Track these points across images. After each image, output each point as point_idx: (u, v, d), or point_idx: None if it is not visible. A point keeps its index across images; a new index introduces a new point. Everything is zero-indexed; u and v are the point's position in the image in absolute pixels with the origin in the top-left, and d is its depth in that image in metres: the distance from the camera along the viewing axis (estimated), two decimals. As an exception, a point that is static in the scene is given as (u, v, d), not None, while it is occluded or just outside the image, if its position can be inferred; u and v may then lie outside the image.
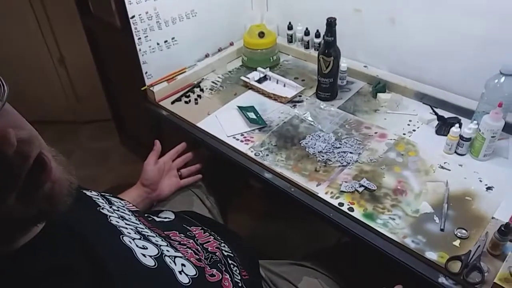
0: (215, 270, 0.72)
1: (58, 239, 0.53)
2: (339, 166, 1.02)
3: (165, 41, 1.30)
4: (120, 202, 0.75)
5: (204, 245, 0.79)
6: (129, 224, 0.66)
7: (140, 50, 1.24)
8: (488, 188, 0.94)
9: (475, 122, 1.01)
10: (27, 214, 0.44)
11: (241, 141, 1.13)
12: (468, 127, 1.00)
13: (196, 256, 0.72)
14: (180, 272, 0.62)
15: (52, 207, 0.46)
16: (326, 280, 0.96)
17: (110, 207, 0.69)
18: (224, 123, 1.19)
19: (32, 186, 0.43)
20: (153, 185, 1.06)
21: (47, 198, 0.45)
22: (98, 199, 0.70)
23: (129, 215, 0.71)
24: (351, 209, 0.91)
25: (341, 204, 0.92)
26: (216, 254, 0.78)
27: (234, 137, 1.14)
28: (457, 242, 0.82)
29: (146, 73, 1.28)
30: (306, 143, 1.10)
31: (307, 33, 1.43)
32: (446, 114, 1.13)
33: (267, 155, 1.07)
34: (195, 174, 1.17)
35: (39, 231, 0.50)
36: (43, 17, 1.99)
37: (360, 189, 0.95)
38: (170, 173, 1.12)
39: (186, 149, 1.19)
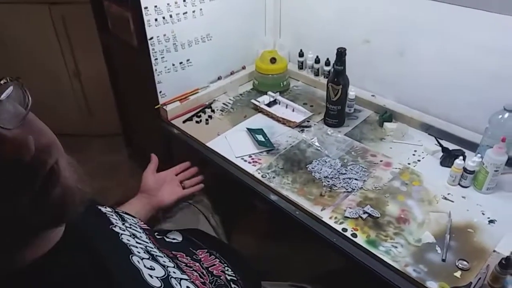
0: None
1: (73, 252, 0.54)
2: (344, 192, 1.04)
3: (180, 63, 1.34)
4: (132, 219, 0.78)
5: (209, 269, 0.81)
6: (139, 243, 0.68)
7: (156, 70, 1.29)
8: (491, 221, 0.95)
9: (479, 155, 1.03)
10: (39, 218, 0.46)
11: (249, 162, 1.16)
12: (472, 160, 1.02)
13: (201, 279, 0.74)
14: None
15: (63, 213, 0.48)
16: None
17: (123, 224, 0.71)
18: (233, 144, 1.22)
19: (43, 191, 0.46)
20: (153, 190, 1.10)
21: (58, 204, 0.47)
22: (112, 215, 0.72)
23: (140, 232, 0.73)
24: (355, 235, 0.92)
25: (344, 229, 0.94)
26: (221, 277, 0.79)
27: (242, 158, 1.17)
28: (458, 273, 0.83)
29: (160, 92, 1.33)
30: (312, 168, 1.12)
31: (317, 60, 1.47)
32: (451, 146, 1.15)
33: (274, 177, 1.10)
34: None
35: (56, 243, 0.52)
36: (63, 32, 2.06)
37: (364, 216, 0.97)
38: (173, 183, 1.16)
39: (194, 166, 1.22)
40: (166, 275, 0.64)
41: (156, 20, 1.22)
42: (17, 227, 0.46)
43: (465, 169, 1.03)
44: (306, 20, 1.48)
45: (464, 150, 1.13)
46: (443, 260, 0.86)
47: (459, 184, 1.05)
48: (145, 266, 0.62)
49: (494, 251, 0.87)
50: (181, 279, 0.66)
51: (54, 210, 0.47)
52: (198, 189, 1.19)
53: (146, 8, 1.19)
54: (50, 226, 0.50)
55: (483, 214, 0.97)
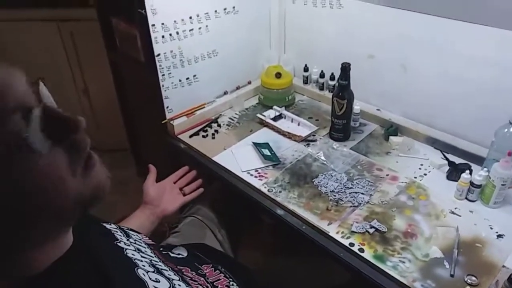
0: None
1: (79, 266, 0.56)
2: (351, 206, 1.04)
3: (187, 78, 1.36)
4: (137, 235, 0.79)
5: (214, 283, 0.81)
6: (144, 257, 0.69)
7: (163, 86, 1.30)
8: (499, 236, 0.94)
9: (485, 169, 1.03)
10: (83, 197, 0.51)
11: (255, 176, 1.16)
12: (478, 174, 1.01)
13: None
14: None
15: (98, 192, 0.53)
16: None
17: (128, 239, 0.72)
18: (239, 159, 1.23)
19: (86, 170, 0.52)
20: (155, 201, 1.11)
21: (95, 181, 0.53)
22: (116, 232, 0.73)
23: (145, 247, 0.74)
24: (362, 250, 0.92)
25: (351, 244, 0.93)
26: None
27: (249, 173, 1.17)
28: (467, 289, 0.83)
29: (167, 107, 1.34)
30: (318, 182, 1.12)
31: (322, 75, 1.49)
32: (457, 160, 1.15)
33: (280, 191, 1.10)
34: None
35: (65, 251, 0.54)
36: (71, 48, 2.10)
37: (371, 230, 0.96)
38: (173, 191, 1.18)
39: (192, 170, 1.24)
40: (171, 287, 0.64)
41: (163, 37, 1.24)
42: (71, 203, 0.50)
43: (471, 183, 1.02)
44: (311, 35, 1.50)
45: (471, 164, 1.13)
46: (452, 276, 0.85)
47: (466, 198, 1.05)
48: (150, 278, 0.62)
49: (503, 266, 0.87)
50: None
51: (94, 187, 0.52)
52: (198, 193, 1.21)
53: (153, 25, 1.21)
54: (88, 206, 0.54)
55: (491, 228, 0.96)
